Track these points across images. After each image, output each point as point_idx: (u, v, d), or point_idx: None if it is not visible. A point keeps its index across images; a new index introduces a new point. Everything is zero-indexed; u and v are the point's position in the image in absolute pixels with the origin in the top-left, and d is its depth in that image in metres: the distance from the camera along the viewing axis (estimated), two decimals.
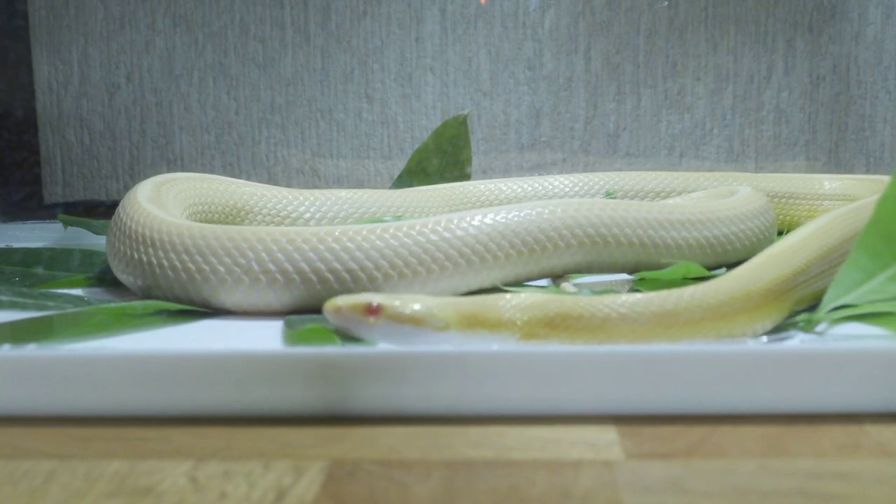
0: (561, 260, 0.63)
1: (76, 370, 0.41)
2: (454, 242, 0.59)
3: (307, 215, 0.78)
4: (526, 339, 0.46)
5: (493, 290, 0.59)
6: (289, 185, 1.10)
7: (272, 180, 1.12)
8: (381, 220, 0.74)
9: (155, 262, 0.58)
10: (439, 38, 1.10)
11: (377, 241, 0.57)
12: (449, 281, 0.58)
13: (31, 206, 1.15)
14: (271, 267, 0.56)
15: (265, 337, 0.52)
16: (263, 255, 0.56)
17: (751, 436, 0.39)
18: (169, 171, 1.13)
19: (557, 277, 0.64)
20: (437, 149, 0.95)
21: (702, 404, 0.41)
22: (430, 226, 0.59)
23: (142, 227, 0.60)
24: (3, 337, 0.49)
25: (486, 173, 1.10)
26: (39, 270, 0.70)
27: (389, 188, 0.94)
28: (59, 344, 0.49)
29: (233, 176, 1.09)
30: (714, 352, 0.41)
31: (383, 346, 0.46)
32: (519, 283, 0.62)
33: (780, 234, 0.72)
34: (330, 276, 0.56)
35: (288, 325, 0.53)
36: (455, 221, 0.60)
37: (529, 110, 1.10)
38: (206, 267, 0.57)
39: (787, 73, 1.08)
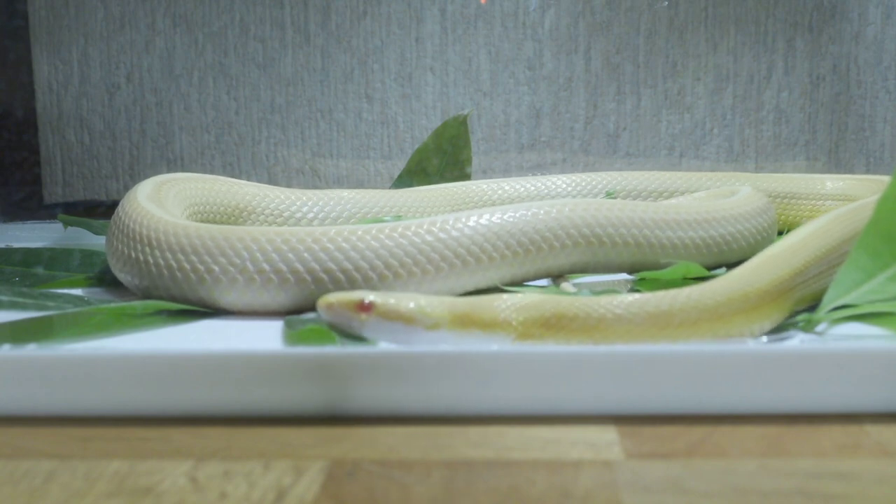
0: (559, 260, 0.63)
1: (76, 370, 0.41)
2: (450, 243, 0.59)
3: (307, 215, 0.78)
4: (522, 340, 0.46)
5: (493, 290, 0.59)
6: (289, 185, 1.10)
7: (272, 180, 1.12)
8: (380, 221, 0.74)
9: (155, 261, 0.58)
10: (439, 38, 1.10)
11: (372, 242, 0.57)
12: (445, 281, 0.58)
13: (31, 206, 1.15)
14: (269, 267, 0.56)
15: (265, 337, 0.52)
16: (262, 255, 0.56)
17: (751, 436, 0.39)
18: (169, 171, 1.13)
19: (557, 278, 0.64)
20: (437, 149, 0.95)
21: (702, 404, 0.41)
22: (425, 226, 0.59)
23: (141, 227, 0.60)
24: (3, 337, 0.49)
25: (486, 173, 1.10)
26: (39, 270, 0.70)
27: (389, 188, 0.94)
28: (59, 344, 0.49)
29: (233, 176, 1.09)
30: (714, 352, 0.41)
31: (383, 347, 0.46)
32: (518, 284, 0.62)
33: (781, 234, 0.72)
34: (325, 276, 0.56)
35: (288, 325, 0.53)
36: (451, 222, 0.60)
37: (529, 110, 1.10)
38: (205, 267, 0.57)
39: (787, 73, 1.08)
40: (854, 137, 1.09)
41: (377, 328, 0.47)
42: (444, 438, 0.39)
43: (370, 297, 0.47)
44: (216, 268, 0.56)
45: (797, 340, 0.49)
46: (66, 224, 0.85)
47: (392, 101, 1.11)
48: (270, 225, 0.77)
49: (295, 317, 0.55)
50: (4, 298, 0.58)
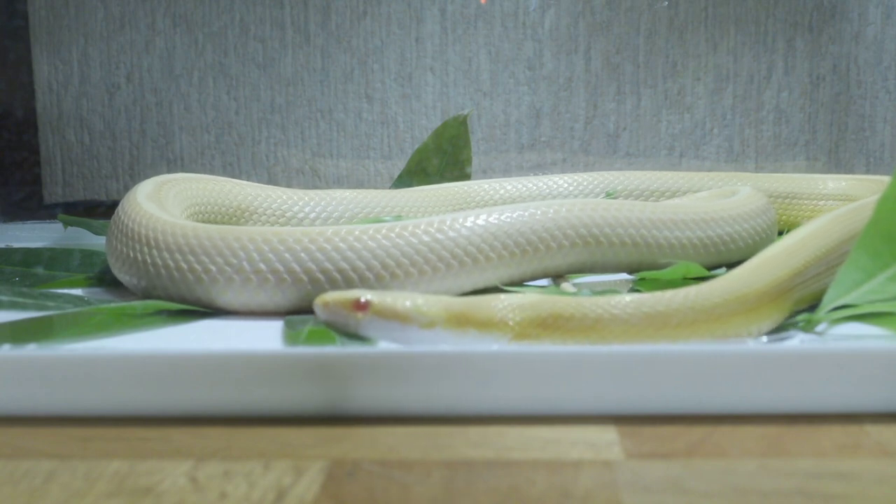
0: (558, 260, 0.63)
1: (76, 370, 0.41)
2: (448, 243, 0.59)
3: (307, 216, 0.78)
4: (518, 340, 0.46)
5: (493, 290, 0.59)
6: (289, 185, 1.10)
7: (272, 180, 1.12)
8: (380, 221, 0.74)
9: (154, 261, 0.58)
10: (439, 38, 1.10)
11: (371, 242, 0.57)
12: (444, 282, 0.58)
13: (31, 206, 1.15)
14: (268, 267, 0.56)
15: (265, 337, 0.52)
16: (261, 255, 0.56)
17: (751, 436, 0.39)
18: (169, 171, 1.13)
19: (558, 277, 0.64)
20: (437, 149, 0.95)
21: (702, 404, 0.41)
22: (424, 227, 0.59)
23: (141, 227, 0.60)
24: (3, 337, 0.49)
25: (486, 173, 1.10)
26: (39, 270, 0.70)
27: (389, 188, 0.94)
28: (59, 344, 0.49)
29: (233, 176, 1.09)
30: (714, 352, 0.41)
31: (383, 347, 0.46)
32: (518, 284, 0.62)
33: (781, 234, 0.72)
34: (323, 276, 0.56)
35: (288, 325, 0.53)
36: (449, 222, 0.59)
37: (529, 110, 1.10)
38: (204, 267, 0.57)
39: (787, 73, 1.08)
40: (854, 137, 1.09)
41: (373, 327, 0.47)
42: (444, 438, 0.39)
43: (367, 295, 0.47)
44: (215, 268, 0.56)
45: (797, 340, 0.49)
46: (66, 224, 0.85)
47: (392, 101, 1.11)
48: (270, 225, 0.77)
49: (295, 317, 0.55)
50: (4, 298, 0.58)
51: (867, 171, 1.08)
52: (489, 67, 1.10)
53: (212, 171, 1.12)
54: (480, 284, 0.60)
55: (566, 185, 0.91)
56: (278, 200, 0.78)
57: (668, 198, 0.89)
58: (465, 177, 0.94)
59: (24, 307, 0.57)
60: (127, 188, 1.10)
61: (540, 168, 1.11)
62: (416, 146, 1.00)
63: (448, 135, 0.94)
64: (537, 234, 0.61)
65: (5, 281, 0.67)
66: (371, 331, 0.47)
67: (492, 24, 1.10)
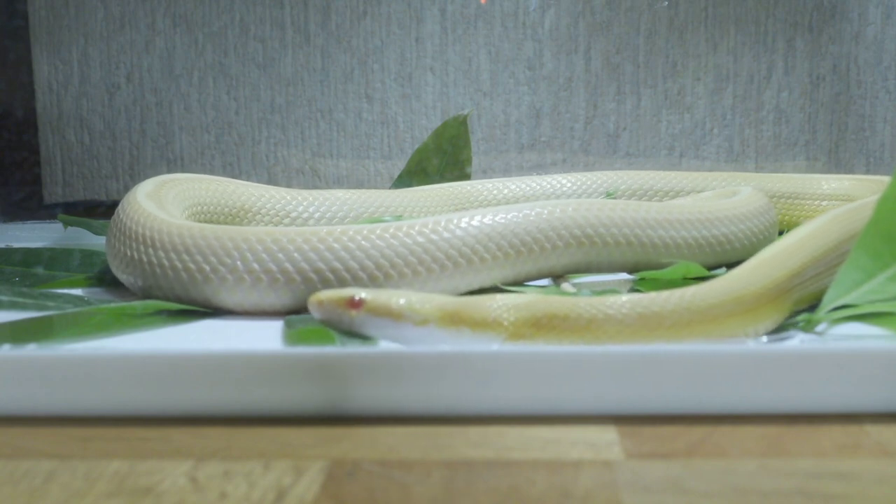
0: (557, 260, 0.63)
1: (76, 370, 0.41)
2: (447, 243, 0.59)
3: (307, 216, 0.78)
4: (512, 340, 0.46)
5: (493, 290, 0.59)
6: (289, 185, 1.10)
7: (272, 180, 1.12)
8: (380, 221, 0.74)
9: (154, 261, 0.58)
10: (439, 38, 1.10)
11: (370, 242, 0.57)
12: (443, 282, 0.58)
13: (31, 206, 1.15)
14: (268, 267, 0.56)
15: (265, 337, 0.52)
16: (260, 255, 0.56)
17: (751, 436, 0.39)
18: (169, 171, 1.13)
19: (558, 278, 0.64)
20: (437, 149, 0.95)
21: (702, 404, 0.41)
22: (421, 227, 0.59)
23: (141, 228, 0.60)
24: (3, 337, 0.49)
25: (486, 173, 1.10)
26: (39, 270, 0.70)
27: (389, 188, 0.94)
28: (59, 344, 0.49)
29: (233, 176, 1.09)
30: (714, 352, 0.41)
31: (383, 347, 0.46)
32: (517, 284, 0.62)
33: (781, 234, 0.72)
34: (323, 276, 0.56)
35: (288, 325, 0.53)
36: (443, 223, 0.59)
37: (529, 110, 1.10)
38: (204, 266, 0.57)
39: (787, 73, 1.08)
40: (854, 137, 1.09)
41: (367, 324, 0.47)
42: (444, 438, 0.39)
43: (361, 293, 0.47)
44: (220, 268, 0.56)
45: (797, 340, 0.49)
46: (66, 224, 0.85)
47: (392, 101, 1.11)
48: (271, 225, 0.77)
49: (295, 317, 0.55)
50: (4, 298, 0.58)
51: (867, 171, 1.08)
52: (489, 67, 1.10)
53: (212, 171, 1.12)
54: (481, 284, 0.60)
55: (566, 185, 0.91)
56: (278, 200, 0.78)
57: (670, 198, 0.89)
58: (465, 177, 0.94)
59: (24, 307, 0.57)
60: (127, 188, 1.10)
61: (540, 168, 1.11)
62: (416, 146, 1.00)
63: (448, 135, 0.94)
64: (531, 235, 0.61)
65: (5, 281, 0.67)
66: (365, 328, 0.47)
67: (492, 24, 1.10)
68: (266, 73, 1.12)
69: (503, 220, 0.61)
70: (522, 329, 0.46)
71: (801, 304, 0.54)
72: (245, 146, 1.13)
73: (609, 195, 0.89)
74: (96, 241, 0.79)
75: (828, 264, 0.54)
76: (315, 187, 1.11)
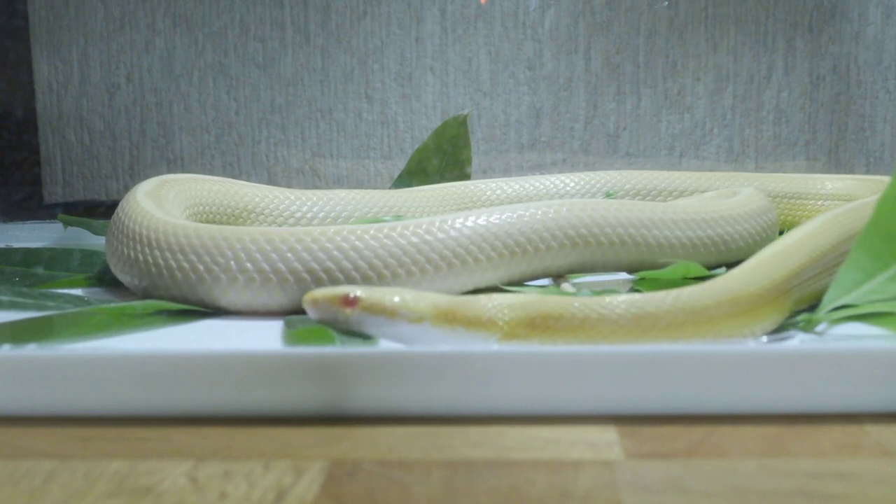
0: (557, 260, 0.63)
1: (76, 370, 0.41)
2: (446, 243, 0.59)
3: (308, 216, 0.78)
4: (507, 340, 0.46)
5: (493, 290, 0.59)
6: (289, 185, 1.10)
7: (272, 180, 1.12)
8: (380, 221, 0.74)
9: (154, 261, 0.58)
10: (439, 38, 1.10)
11: (370, 242, 0.57)
12: (442, 281, 0.58)
13: (31, 206, 1.15)
14: (267, 267, 0.56)
15: (265, 337, 0.52)
16: (260, 255, 0.56)
17: (751, 436, 0.39)
18: (169, 171, 1.13)
19: (558, 278, 0.64)
20: (437, 149, 0.95)
21: (702, 404, 0.41)
22: (423, 226, 0.59)
23: (141, 228, 0.60)
24: (3, 337, 0.49)
25: (486, 173, 1.10)
26: (39, 270, 0.70)
27: (389, 188, 0.94)
28: (59, 344, 0.49)
29: (233, 176, 1.09)
30: (714, 352, 0.41)
31: (383, 347, 0.46)
32: (517, 284, 0.62)
33: (781, 234, 0.72)
34: (323, 276, 0.56)
35: (288, 325, 0.53)
36: (448, 222, 0.59)
37: (529, 110, 1.10)
38: (204, 267, 0.57)
39: (787, 73, 1.08)
40: (854, 137, 1.09)
41: (362, 322, 0.47)
42: (444, 438, 0.39)
43: (356, 291, 0.47)
44: (215, 268, 0.57)
45: (797, 340, 0.49)
46: (66, 224, 0.85)
47: (392, 101, 1.11)
48: (271, 225, 0.77)
49: (295, 317, 0.55)
50: (4, 298, 0.58)
51: (867, 171, 1.08)
52: (489, 67, 1.10)
53: (212, 171, 1.12)
54: (481, 284, 0.60)
55: (567, 184, 0.91)
56: (278, 200, 0.78)
57: (672, 198, 0.89)
58: (465, 177, 0.94)
59: (24, 307, 0.57)
60: (127, 188, 1.10)
61: (540, 168, 1.11)
62: (416, 146, 1.00)
63: (448, 135, 0.94)
64: (526, 236, 0.61)
65: (5, 281, 0.67)
66: (360, 326, 0.47)
67: (492, 24, 1.10)
68: (266, 73, 1.12)
69: (497, 221, 0.61)
70: (517, 329, 0.46)
71: (801, 304, 0.53)
72: (245, 146, 1.13)
73: (609, 195, 0.89)
74: (96, 241, 0.79)
75: (827, 264, 0.54)
76: (315, 187, 1.12)
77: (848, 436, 0.39)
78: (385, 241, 0.57)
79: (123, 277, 0.62)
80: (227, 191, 0.77)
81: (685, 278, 0.62)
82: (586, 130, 1.10)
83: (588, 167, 1.10)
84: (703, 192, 0.88)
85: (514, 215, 0.61)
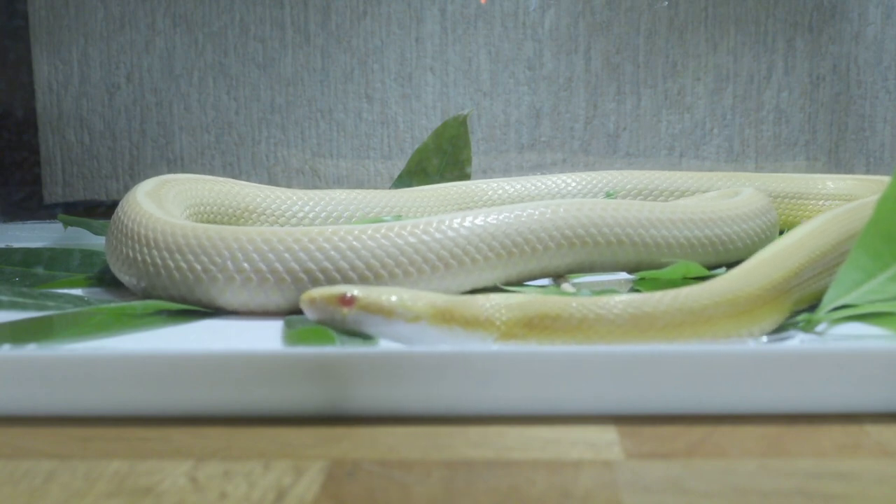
0: (556, 260, 0.63)
1: (76, 370, 0.41)
2: (445, 243, 0.59)
3: (308, 216, 0.78)
4: (504, 340, 0.46)
5: (492, 290, 0.59)
6: (289, 186, 1.10)
7: (272, 180, 1.12)
8: (380, 221, 0.74)
9: (154, 261, 0.58)
10: (439, 38, 1.10)
11: (369, 242, 0.57)
12: (442, 281, 0.58)
13: (31, 206, 1.15)
14: (267, 267, 0.56)
15: (265, 337, 0.52)
16: (260, 255, 0.56)
17: (751, 436, 0.39)
18: (169, 171, 1.13)
19: (558, 277, 0.64)
20: (437, 149, 0.95)
21: (702, 404, 0.41)
22: (422, 226, 0.59)
23: (141, 228, 0.60)
24: (3, 337, 0.49)
25: (486, 173, 1.10)
26: (39, 270, 0.70)
27: (389, 188, 0.94)
28: (59, 344, 0.49)
29: (233, 176, 1.09)
30: (714, 352, 0.41)
31: (383, 347, 0.46)
32: (517, 284, 0.62)
33: (781, 234, 0.72)
34: (322, 275, 0.56)
35: (288, 325, 0.53)
36: (447, 222, 0.59)
37: (529, 110, 1.10)
38: (204, 267, 0.57)
39: (787, 73, 1.08)
40: (854, 137, 1.09)
41: (359, 322, 0.47)
42: (444, 438, 0.39)
43: (353, 291, 0.47)
44: (215, 268, 0.57)
45: (797, 340, 0.49)
46: (66, 224, 0.85)
47: (392, 101, 1.11)
48: (271, 225, 0.77)
49: (295, 317, 0.55)
50: (4, 298, 0.58)
51: (867, 171, 1.08)
52: (489, 67, 1.10)
53: (212, 171, 1.12)
54: (469, 286, 0.60)
55: (567, 184, 0.91)
56: (279, 201, 0.78)
57: (674, 198, 0.89)
58: (465, 177, 0.94)
59: (24, 307, 0.57)
60: (127, 188, 1.10)
61: (540, 168, 1.11)
62: (416, 146, 1.00)
63: (448, 135, 0.94)
64: (523, 236, 0.61)
65: (5, 281, 0.67)
66: (357, 325, 0.47)
67: (492, 24, 1.10)
68: (266, 73, 1.12)
69: (495, 221, 0.61)
70: (514, 329, 0.46)
71: (801, 305, 0.53)
72: (245, 146, 1.13)
73: (609, 195, 0.89)
74: (96, 241, 0.79)
75: (827, 264, 0.54)
76: (315, 187, 1.12)
77: (848, 436, 0.39)
78: (382, 241, 0.57)
79: (123, 277, 0.62)
80: (227, 191, 0.77)
81: (685, 278, 0.62)
82: (586, 130, 1.10)
83: (588, 167, 1.10)
84: (703, 192, 0.88)
85: (513, 215, 0.61)
